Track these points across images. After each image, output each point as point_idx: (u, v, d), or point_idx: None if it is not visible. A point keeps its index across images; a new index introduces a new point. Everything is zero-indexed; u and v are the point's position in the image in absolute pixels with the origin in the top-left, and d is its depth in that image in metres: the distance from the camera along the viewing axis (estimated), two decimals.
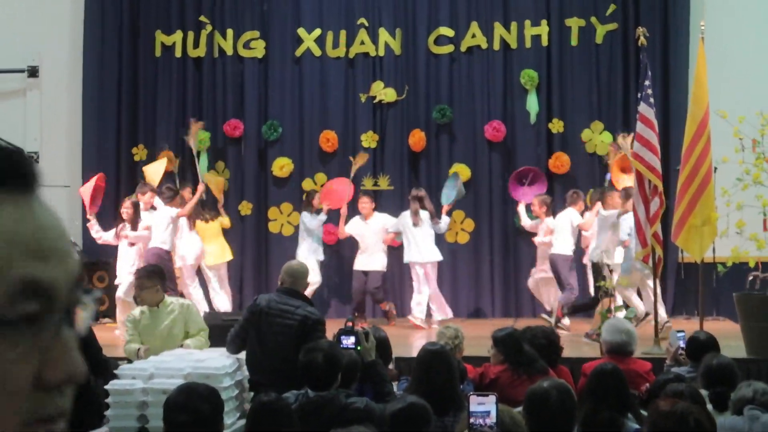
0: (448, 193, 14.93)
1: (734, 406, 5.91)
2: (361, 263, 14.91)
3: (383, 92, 16.38)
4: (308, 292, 10.70)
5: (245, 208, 16.38)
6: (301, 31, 16.60)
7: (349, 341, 6.66)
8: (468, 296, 16.16)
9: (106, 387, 7.07)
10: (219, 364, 7.24)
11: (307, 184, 16.28)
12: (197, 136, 15.45)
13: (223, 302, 14.58)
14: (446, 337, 8.04)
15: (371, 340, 6.73)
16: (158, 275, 8.90)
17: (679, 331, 8.13)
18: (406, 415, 5.19)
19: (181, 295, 12.94)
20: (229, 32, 16.68)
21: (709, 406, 5.79)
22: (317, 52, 16.58)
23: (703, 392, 6.03)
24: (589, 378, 6.45)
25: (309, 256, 14.44)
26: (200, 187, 14.50)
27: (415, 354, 10.00)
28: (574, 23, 16.24)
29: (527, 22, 16.28)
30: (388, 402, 6.21)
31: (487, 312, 15.96)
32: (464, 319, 14.84)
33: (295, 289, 7.86)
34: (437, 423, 5.67)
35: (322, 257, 15.00)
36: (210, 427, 4.72)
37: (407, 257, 14.56)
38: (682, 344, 7.97)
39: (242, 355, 7.82)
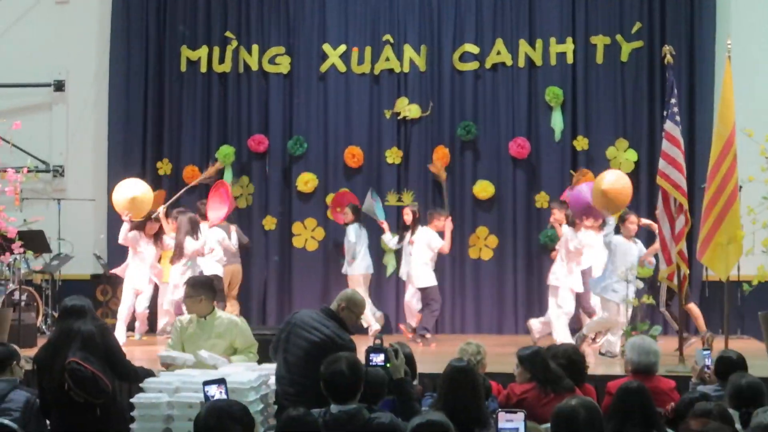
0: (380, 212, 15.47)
1: None
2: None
3: (408, 108, 16.38)
4: None
5: (269, 222, 16.39)
6: (327, 47, 16.62)
7: (378, 359, 6.62)
8: (491, 313, 16.11)
9: (132, 400, 7.08)
10: (244, 379, 7.23)
11: (331, 200, 16.28)
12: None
13: None
14: (468, 353, 8.01)
15: (400, 357, 6.69)
16: (205, 287, 8.83)
17: (705, 350, 8.08)
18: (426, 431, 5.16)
19: None
20: (255, 48, 16.71)
21: (738, 426, 5.76)
22: (342, 68, 16.60)
23: (732, 412, 5.99)
24: (615, 396, 6.42)
25: None
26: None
27: (432, 369, 9.98)
28: (599, 41, 16.21)
29: (552, 40, 16.26)
30: None
31: (510, 329, 15.90)
32: (488, 336, 14.79)
33: (335, 312, 7.81)
34: None
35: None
36: None
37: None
38: (708, 362, 7.92)
39: (269, 369, 7.81)
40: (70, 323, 7.35)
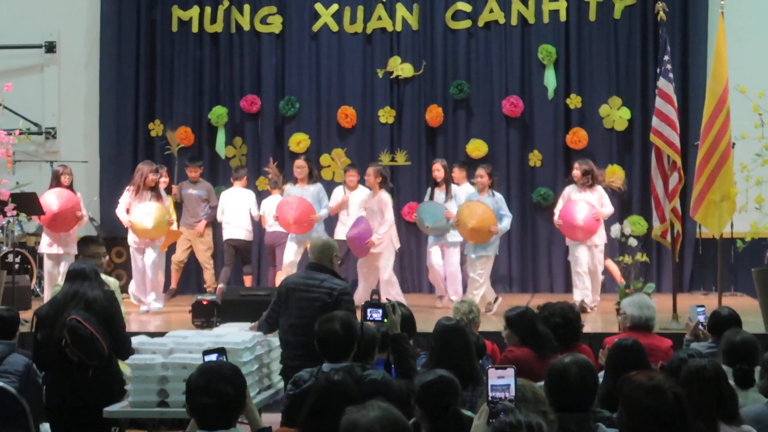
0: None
1: None
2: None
3: (400, 68, 16.35)
4: None
5: (262, 183, 16.36)
6: (319, 7, 16.55)
7: (376, 314, 6.62)
8: None
9: (126, 362, 7.09)
10: (238, 339, 7.25)
11: (324, 160, 16.27)
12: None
13: None
14: (461, 312, 8.05)
15: (398, 312, 6.69)
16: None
17: (699, 306, 8.09)
18: (435, 387, 5.16)
19: None
20: (246, 7, 16.64)
21: (732, 382, 5.77)
22: (335, 27, 16.54)
23: (725, 368, 5.99)
24: (610, 353, 6.43)
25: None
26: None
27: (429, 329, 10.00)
28: None
29: None
30: (411, 378, 6.19)
31: (504, 287, 15.91)
32: None
33: (322, 264, 7.90)
34: None
35: None
36: (234, 409, 4.67)
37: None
38: (701, 319, 7.94)
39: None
40: (78, 285, 7.35)
